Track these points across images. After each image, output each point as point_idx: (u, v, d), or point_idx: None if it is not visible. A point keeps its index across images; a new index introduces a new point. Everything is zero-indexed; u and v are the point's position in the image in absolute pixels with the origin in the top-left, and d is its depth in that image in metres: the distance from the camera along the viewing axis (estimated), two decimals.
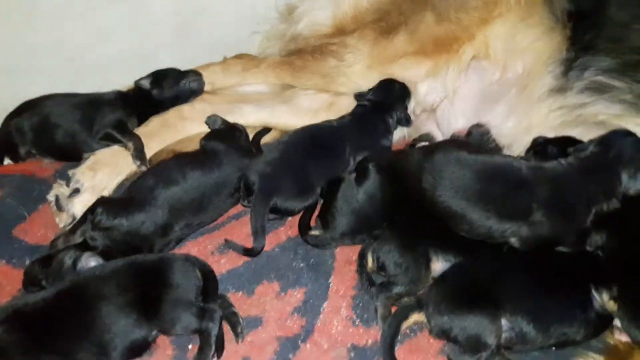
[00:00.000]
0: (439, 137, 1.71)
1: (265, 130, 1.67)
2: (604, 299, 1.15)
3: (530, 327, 1.12)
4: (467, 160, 1.27)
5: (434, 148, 1.36)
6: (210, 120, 1.60)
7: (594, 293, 1.15)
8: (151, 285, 1.17)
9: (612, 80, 1.44)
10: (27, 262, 1.31)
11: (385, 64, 1.62)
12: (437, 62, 1.60)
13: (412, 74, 1.61)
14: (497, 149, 1.55)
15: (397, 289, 1.21)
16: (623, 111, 1.41)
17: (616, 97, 1.42)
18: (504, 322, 1.12)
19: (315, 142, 1.50)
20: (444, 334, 1.15)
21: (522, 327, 1.12)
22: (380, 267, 1.25)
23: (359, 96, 1.62)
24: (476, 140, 1.57)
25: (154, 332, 1.16)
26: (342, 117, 1.58)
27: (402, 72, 1.61)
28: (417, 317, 1.17)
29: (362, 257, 1.29)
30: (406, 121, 1.60)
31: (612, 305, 1.14)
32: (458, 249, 1.24)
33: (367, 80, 1.63)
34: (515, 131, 1.54)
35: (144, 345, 1.15)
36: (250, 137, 1.64)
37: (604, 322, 1.17)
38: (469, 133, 1.61)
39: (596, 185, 1.22)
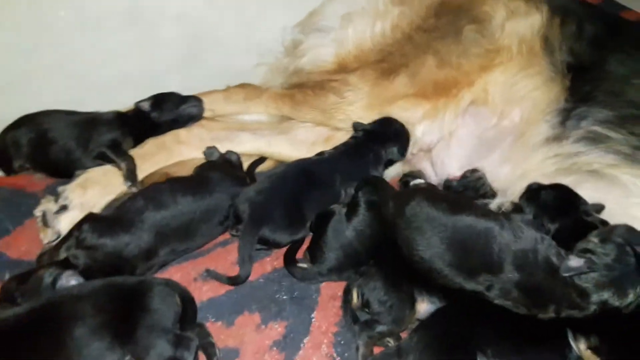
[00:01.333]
0: (432, 175, 1.70)
1: (261, 159, 1.66)
2: (580, 348, 1.10)
3: None
4: (438, 223, 1.19)
5: (405, 201, 1.27)
6: (207, 152, 1.61)
7: (571, 340, 1.11)
8: (128, 309, 1.13)
9: (608, 131, 1.43)
10: (7, 276, 1.27)
11: (385, 104, 1.63)
12: (435, 105, 1.60)
13: (410, 115, 1.62)
14: (491, 194, 1.53)
15: (380, 328, 1.18)
16: (617, 161, 1.40)
17: (611, 147, 1.41)
18: None
19: (307, 174, 1.48)
20: None
21: None
22: (365, 304, 1.22)
23: (356, 125, 1.61)
24: (469, 185, 1.55)
25: (127, 358, 1.11)
26: (335, 148, 1.58)
27: (400, 112, 1.61)
28: None
29: (347, 292, 1.26)
30: (400, 155, 1.58)
31: (588, 355, 1.10)
32: (444, 291, 1.21)
33: (365, 119, 1.62)
34: (510, 177, 1.52)
35: None
36: (245, 165, 1.65)
37: None
38: (464, 177, 1.60)
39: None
